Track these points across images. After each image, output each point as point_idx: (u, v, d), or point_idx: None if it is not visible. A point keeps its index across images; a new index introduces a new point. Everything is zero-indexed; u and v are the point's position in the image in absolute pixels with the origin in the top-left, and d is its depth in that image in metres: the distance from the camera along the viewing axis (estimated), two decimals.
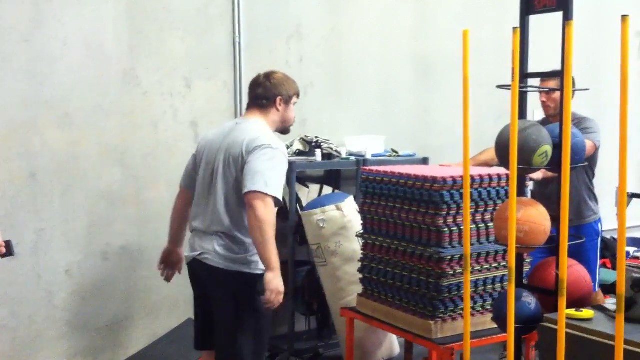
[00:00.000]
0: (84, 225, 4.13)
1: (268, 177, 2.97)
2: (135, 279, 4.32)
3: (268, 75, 3.25)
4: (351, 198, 4.39)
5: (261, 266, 3.06)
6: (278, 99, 3.20)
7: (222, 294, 3.10)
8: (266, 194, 2.94)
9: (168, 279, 3.47)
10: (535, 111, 4.68)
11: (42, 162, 3.99)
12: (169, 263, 3.46)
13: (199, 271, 3.16)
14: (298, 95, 3.32)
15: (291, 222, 4.41)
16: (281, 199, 3.06)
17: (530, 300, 2.89)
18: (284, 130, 3.32)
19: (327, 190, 4.75)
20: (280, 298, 2.99)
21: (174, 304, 4.42)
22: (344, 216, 4.25)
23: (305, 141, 4.63)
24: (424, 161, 4.91)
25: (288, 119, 3.27)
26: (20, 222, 3.94)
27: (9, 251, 2.08)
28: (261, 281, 3.02)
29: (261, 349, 3.13)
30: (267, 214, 2.93)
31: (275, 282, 2.94)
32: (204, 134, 3.45)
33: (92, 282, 4.17)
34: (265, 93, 3.20)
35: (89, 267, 4.15)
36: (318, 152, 4.60)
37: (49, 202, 4.01)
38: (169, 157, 4.38)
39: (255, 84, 3.26)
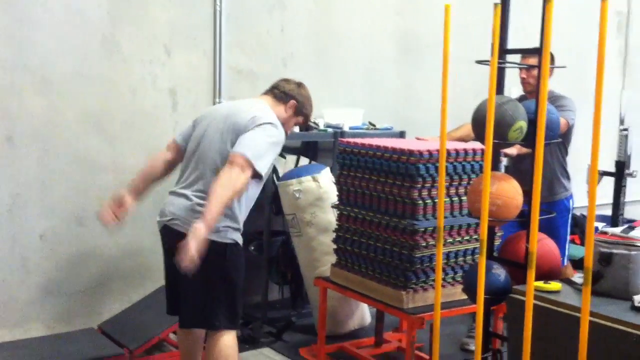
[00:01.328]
0: (60, 190, 4.13)
1: (261, 151, 3.01)
2: (110, 245, 4.33)
3: (300, 84, 3.38)
4: (327, 169, 4.42)
5: (231, 235, 3.08)
6: (292, 101, 3.28)
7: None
8: (251, 165, 2.95)
9: (104, 219, 3.28)
10: (512, 88, 4.74)
11: (19, 127, 3.97)
12: (114, 204, 3.29)
13: (169, 237, 3.14)
14: (306, 120, 3.42)
15: (267, 192, 4.43)
16: (263, 177, 3.08)
17: (500, 273, 2.96)
18: None
19: (304, 161, 4.79)
20: (188, 259, 2.75)
21: (148, 270, 4.44)
22: (320, 187, 4.29)
23: None
24: (401, 134, 4.96)
25: (286, 126, 3.29)
26: None
27: None
28: (230, 249, 3.06)
29: (234, 315, 3.14)
30: (240, 179, 2.91)
31: (195, 238, 2.77)
32: (212, 106, 3.42)
33: (67, 248, 4.18)
34: (288, 90, 3.30)
35: (64, 232, 4.15)
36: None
37: (25, 166, 3.99)
38: (147, 125, 4.38)
39: (284, 80, 3.37)
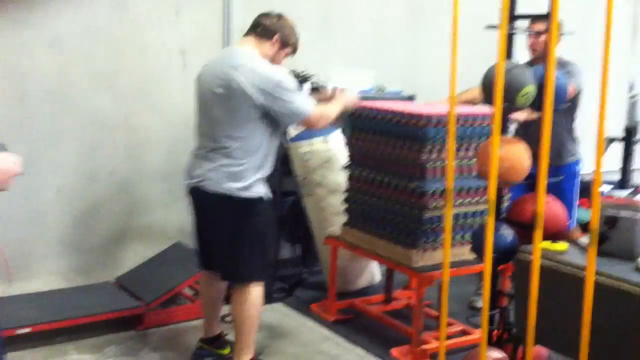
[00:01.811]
0: (72, 148, 4.20)
1: (299, 104, 3.19)
2: (124, 202, 4.42)
3: (280, 15, 3.35)
4: (337, 132, 4.48)
5: (258, 189, 3.21)
6: (276, 35, 3.27)
7: (222, 217, 3.22)
8: (310, 115, 3.22)
9: None
10: (520, 54, 4.75)
11: (31, 86, 4.02)
12: None
13: (199, 197, 3.28)
14: (294, 51, 3.39)
15: (278, 153, 4.48)
16: (313, 106, 3.29)
17: (508, 233, 3.04)
18: None
19: None
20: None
21: (162, 228, 4.55)
22: (330, 149, 4.35)
23: (293, 75, 4.67)
24: (410, 98, 4.99)
25: (275, 60, 3.31)
26: (10, 143, 3.97)
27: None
28: (260, 204, 3.20)
29: (264, 268, 3.30)
30: (322, 119, 3.32)
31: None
32: (205, 63, 3.47)
33: (82, 204, 4.27)
34: (269, 25, 3.27)
35: (79, 189, 4.24)
36: (306, 85, 4.66)
37: (38, 124, 4.06)
38: (157, 84, 4.43)
39: (263, 15, 3.33)
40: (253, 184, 3.19)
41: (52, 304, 3.84)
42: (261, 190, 3.24)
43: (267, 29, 3.26)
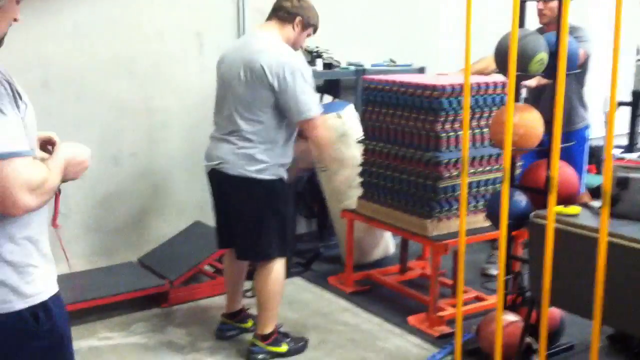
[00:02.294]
0: (95, 132, 4.29)
1: (309, 99, 3.19)
2: (145, 184, 4.52)
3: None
4: (351, 106, 4.55)
5: (277, 171, 3.28)
6: (298, 18, 3.31)
7: (242, 198, 3.30)
8: (315, 117, 3.21)
9: None
10: (531, 22, 4.80)
11: (54, 71, 4.10)
12: None
13: (219, 179, 3.36)
14: (315, 30, 3.42)
15: None
16: (321, 109, 3.29)
17: (522, 199, 3.12)
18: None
19: (327, 99, 4.91)
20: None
21: (182, 207, 4.64)
22: (344, 123, 4.42)
23: (307, 51, 4.75)
24: (421, 70, 5.06)
25: (298, 42, 3.37)
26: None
27: None
28: (278, 185, 3.29)
29: (284, 245, 3.38)
30: (321, 134, 3.31)
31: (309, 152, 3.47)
32: (226, 47, 3.51)
33: (105, 187, 4.37)
34: (290, 8, 3.30)
35: (101, 172, 4.33)
36: (319, 61, 4.74)
37: (61, 109, 4.14)
38: (175, 67, 4.50)
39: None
40: (270, 167, 3.25)
41: (80, 285, 3.95)
42: (279, 173, 3.30)
43: (289, 11, 3.30)
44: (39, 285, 1.74)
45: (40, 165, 1.67)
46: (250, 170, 3.24)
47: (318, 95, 3.29)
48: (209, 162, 3.38)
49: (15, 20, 1.74)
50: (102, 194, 4.37)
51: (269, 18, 3.37)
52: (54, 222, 1.96)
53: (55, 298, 1.79)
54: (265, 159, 3.24)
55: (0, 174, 1.56)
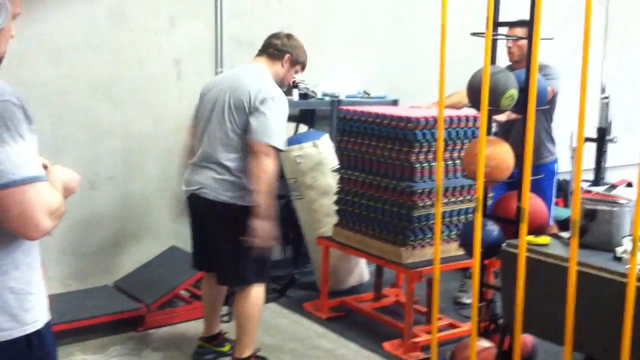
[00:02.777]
0: (72, 155, 4.31)
1: (275, 129, 3.23)
2: (122, 208, 4.55)
3: (289, 35, 3.51)
4: (326, 136, 4.65)
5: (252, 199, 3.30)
6: (287, 55, 3.43)
7: (220, 223, 3.37)
8: (272, 146, 3.21)
9: None
10: (499, 58, 4.97)
11: (33, 94, 4.13)
12: None
13: (197, 204, 3.42)
14: (303, 68, 3.54)
15: None
16: (283, 148, 3.30)
17: (494, 228, 3.22)
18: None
19: (303, 128, 5.01)
20: (270, 243, 3.26)
21: (158, 232, 4.67)
22: (320, 152, 4.52)
23: None
24: (394, 102, 5.19)
25: (286, 78, 3.49)
26: None
27: None
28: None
29: (262, 269, 3.42)
30: (269, 165, 3.19)
31: (262, 229, 3.16)
32: (213, 77, 3.59)
33: (81, 211, 4.37)
34: (280, 46, 3.43)
35: (78, 195, 4.24)
36: (295, 91, 4.84)
37: (39, 132, 4.10)
38: (153, 93, 4.57)
39: (274, 36, 3.49)
40: (248, 194, 3.28)
41: (56, 308, 3.90)
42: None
43: (279, 49, 3.42)
44: (36, 312, 1.75)
45: (54, 189, 1.71)
46: (229, 196, 3.30)
47: (283, 128, 3.30)
48: (189, 187, 3.44)
49: (11, 37, 1.78)
50: (78, 218, 4.38)
51: (259, 54, 3.48)
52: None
53: (48, 326, 1.81)
54: (244, 187, 3.30)
55: (23, 198, 1.58)
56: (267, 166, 3.19)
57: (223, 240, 3.38)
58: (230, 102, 3.30)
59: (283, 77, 3.46)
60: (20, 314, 1.71)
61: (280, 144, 3.26)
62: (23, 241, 1.70)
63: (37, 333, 1.76)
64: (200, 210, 3.44)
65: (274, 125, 3.24)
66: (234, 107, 3.28)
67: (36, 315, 1.75)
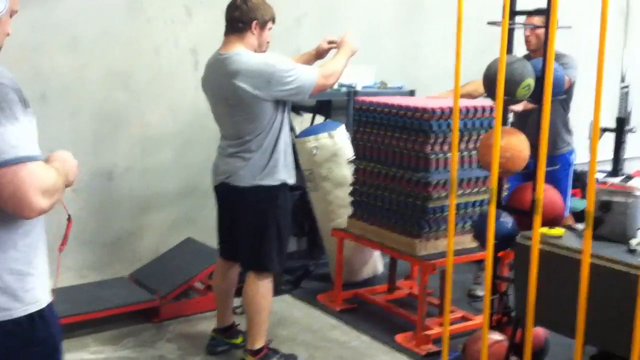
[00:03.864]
0: (90, 145, 4.35)
1: (302, 81, 3.28)
2: (139, 198, 4.57)
3: (244, 1, 3.34)
4: (342, 126, 4.63)
5: (279, 177, 3.36)
6: (254, 22, 3.30)
7: (248, 208, 3.39)
8: (317, 84, 3.33)
9: None
10: (518, 48, 4.91)
11: (51, 85, 4.17)
12: None
13: (227, 192, 3.45)
14: (274, 21, 3.42)
15: None
16: (316, 70, 3.36)
17: (508, 220, 3.19)
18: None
19: (319, 119, 4.99)
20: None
21: (174, 223, 4.70)
22: (336, 143, 4.50)
23: None
24: (411, 93, 5.16)
25: (262, 43, 3.39)
26: None
27: None
28: (281, 194, 3.38)
29: (283, 251, 3.48)
30: (332, 78, 3.42)
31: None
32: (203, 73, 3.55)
33: (98, 201, 4.41)
34: (241, 16, 3.29)
35: (96, 186, 4.38)
36: None
37: (58, 122, 4.20)
38: (170, 82, 4.58)
39: (232, 7, 3.35)
40: (275, 172, 3.34)
41: (71, 299, 3.97)
42: (283, 177, 3.39)
43: (242, 20, 3.29)
44: (38, 293, 1.78)
45: (50, 168, 1.73)
46: (255, 178, 3.33)
47: (304, 67, 3.34)
48: (216, 176, 3.48)
49: (7, 34, 1.80)
50: (95, 208, 4.41)
51: (227, 33, 3.37)
52: (60, 247, 2.00)
53: (50, 307, 1.83)
54: (270, 166, 3.33)
55: (15, 177, 1.61)
56: (330, 79, 3.42)
57: (248, 223, 3.41)
58: (232, 100, 3.28)
59: (259, 44, 3.36)
60: (21, 294, 1.74)
61: (314, 74, 3.33)
62: (23, 222, 1.73)
63: (40, 313, 1.79)
64: (229, 198, 3.46)
65: (298, 77, 3.26)
66: (240, 101, 3.26)
67: (38, 296, 1.79)
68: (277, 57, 3.32)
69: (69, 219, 1.90)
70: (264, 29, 3.35)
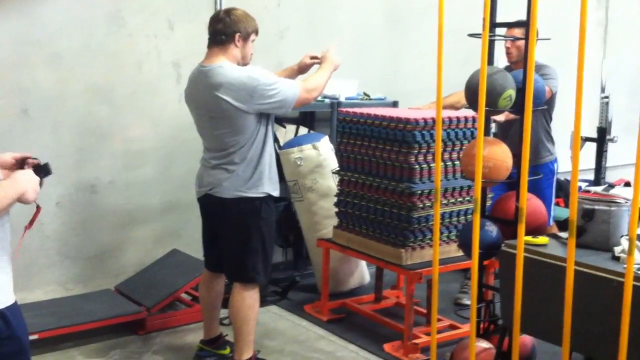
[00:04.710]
0: (73, 160, 4.33)
1: (285, 95, 3.30)
2: (122, 212, 4.55)
3: (228, 12, 3.35)
4: (326, 138, 4.65)
5: (263, 189, 3.38)
6: (237, 35, 3.31)
7: (232, 219, 3.40)
8: (299, 97, 3.35)
9: None
10: (499, 59, 4.97)
11: (32, 99, 4.15)
12: None
13: (211, 204, 3.45)
14: (257, 33, 3.43)
15: None
16: (299, 84, 3.40)
17: (492, 229, 3.22)
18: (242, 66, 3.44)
19: (303, 130, 5.01)
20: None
21: (159, 236, 4.68)
22: (320, 154, 4.52)
23: None
24: (394, 104, 5.19)
25: (245, 55, 3.39)
26: None
27: (47, 171, 2.26)
28: (264, 205, 3.38)
29: (268, 262, 3.48)
30: (314, 92, 3.43)
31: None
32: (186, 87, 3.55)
33: (82, 214, 4.39)
34: (224, 29, 3.29)
35: (79, 199, 4.37)
36: None
37: (40, 137, 4.18)
38: (152, 96, 4.58)
39: (215, 20, 3.36)
40: (259, 184, 3.36)
41: (57, 312, 3.96)
42: (267, 189, 3.40)
43: (225, 33, 3.29)
44: (4, 292, 1.86)
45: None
46: (239, 190, 3.34)
47: (279, 85, 3.31)
48: (201, 187, 3.48)
49: None
50: (79, 222, 4.40)
51: (210, 46, 3.36)
52: (27, 226, 2.13)
53: (12, 308, 1.87)
54: (253, 178, 3.34)
55: None
56: (313, 93, 3.43)
57: (232, 235, 3.42)
58: (215, 112, 3.29)
59: (243, 56, 3.37)
60: None
61: (297, 87, 3.35)
62: None
63: (1, 314, 1.85)
64: (213, 209, 3.46)
65: (281, 91, 3.28)
66: (223, 114, 3.27)
67: (3, 296, 1.85)
68: (260, 70, 3.33)
69: (37, 207, 2.03)
70: (247, 42, 3.36)
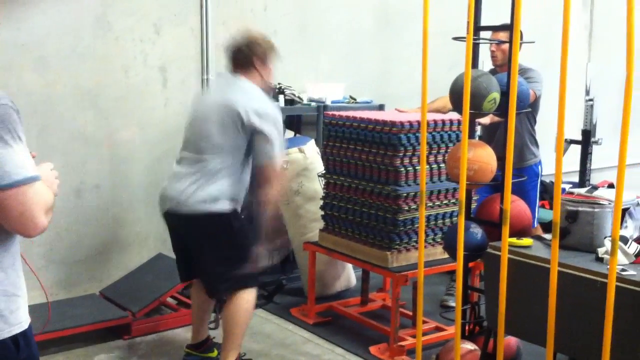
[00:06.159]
0: (59, 164, 4.23)
1: (275, 143, 3.27)
2: (108, 216, 4.54)
3: (245, 39, 3.42)
4: (312, 141, 4.66)
5: (230, 205, 3.33)
6: (255, 59, 3.38)
7: (199, 234, 3.37)
8: (276, 162, 3.29)
9: None
10: (485, 62, 5.00)
11: (18, 103, 4.09)
12: None
13: (176, 219, 3.41)
14: (274, 54, 3.46)
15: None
16: (283, 154, 3.40)
17: (477, 231, 3.24)
18: (267, 89, 3.49)
19: (289, 134, 5.01)
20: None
21: (144, 239, 4.67)
22: (306, 158, 4.53)
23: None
24: (380, 107, 5.21)
25: (268, 77, 3.44)
26: None
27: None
28: (234, 217, 3.35)
29: (250, 276, 3.41)
30: (276, 179, 3.32)
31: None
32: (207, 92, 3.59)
33: (67, 219, 4.37)
34: (244, 58, 3.38)
35: (64, 204, 4.34)
36: (281, 97, 4.85)
37: (27, 141, 4.15)
38: (139, 101, 4.57)
39: (233, 50, 3.42)
40: (224, 200, 3.31)
41: (41, 317, 3.91)
42: (233, 205, 3.35)
43: (245, 60, 3.37)
44: (22, 313, 1.80)
45: (47, 187, 1.75)
46: (204, 205, 3.29)
47: (280, 136, 3.33)
48: (164, 204, 3.43)
49: None
50: (64, 226, 4.37)
51: (234, 71, 3.42)
52: None
53: (30, 328, 1.85)
54: (220, 194, 3.30)
55: (24, 197, 1.64)
56: (276, 184, 3.32)
57: (201, 250, 3.38)
58: (221, 118, 3.28)
59: (266, 78, 3.43)
60: (7, 315, 1.76)
61: (281, 154, 3.33)
62: (10, 244, 1.75)
63: (23, 334, 1.80)
64: (178, 224, 3.43)
65: (272, 139, 3.26)
66: (225, 123, 3.26)
67: (21, 317, 1.80)
68: (279, 113, 3.37)
69: None
70: (267, 66, 3.42)
